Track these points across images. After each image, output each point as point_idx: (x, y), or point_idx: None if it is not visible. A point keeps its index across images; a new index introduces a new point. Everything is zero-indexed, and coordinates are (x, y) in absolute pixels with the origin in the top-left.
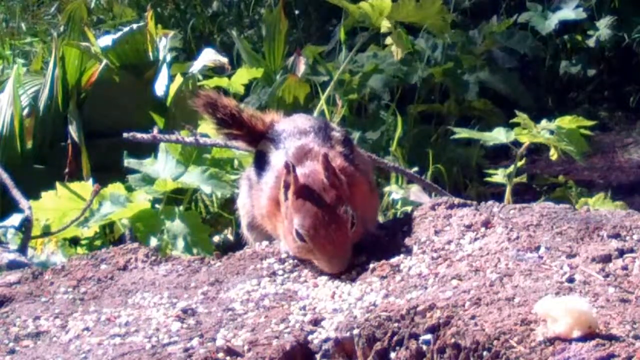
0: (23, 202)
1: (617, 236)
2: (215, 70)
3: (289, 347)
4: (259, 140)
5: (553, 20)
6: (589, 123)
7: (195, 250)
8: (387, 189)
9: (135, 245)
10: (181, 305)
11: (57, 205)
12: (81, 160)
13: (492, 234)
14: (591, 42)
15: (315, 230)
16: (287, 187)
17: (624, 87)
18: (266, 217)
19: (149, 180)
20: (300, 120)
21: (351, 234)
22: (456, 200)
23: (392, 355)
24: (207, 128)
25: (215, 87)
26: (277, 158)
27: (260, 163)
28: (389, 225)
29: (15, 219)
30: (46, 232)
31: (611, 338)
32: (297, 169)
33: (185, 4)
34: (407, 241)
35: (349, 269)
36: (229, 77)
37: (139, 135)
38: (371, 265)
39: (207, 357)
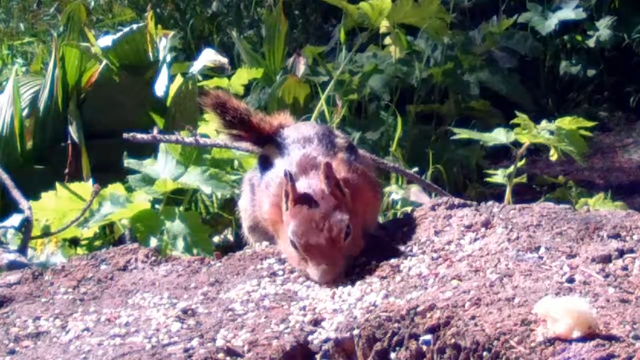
0: (23, 203)
1: (617, 236)
2: (215, 71)
3: (289, 348)
4: (265, 142)
5: (553, 20)
6: (589, 124)
7: (195, 251)
8: (387, 189)
9: (135, 245)
10: (181, 305)
11: (57, 205)
12: (81, 161)
13: (492, 235)
14: (591, 42)
15: (306, 237)
16: (287, 195)
17: (624, 87)
18: (269, 222)
19: (149, 181)
20: (304, 128)
21: (345, 244)
22: (456, 201)
23: (392, 355)
24: (207, 128)
25: (216, 87)
26: (281, 165)
27: (264, 168)
28: (389, 226)
29: (15, 219)
30: (46, 233)
31: (611, 338)
32: (300, 177)
33: (185, 4)
34: (407, 241)
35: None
36: (229, 77)
37: (139, 135)
38: (371, 266)
39: (207, 358)
